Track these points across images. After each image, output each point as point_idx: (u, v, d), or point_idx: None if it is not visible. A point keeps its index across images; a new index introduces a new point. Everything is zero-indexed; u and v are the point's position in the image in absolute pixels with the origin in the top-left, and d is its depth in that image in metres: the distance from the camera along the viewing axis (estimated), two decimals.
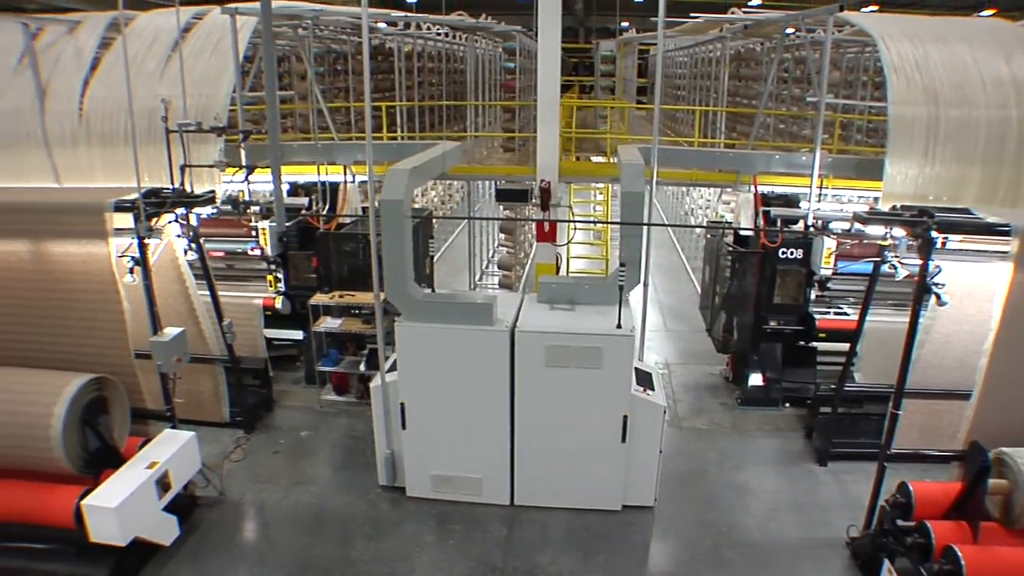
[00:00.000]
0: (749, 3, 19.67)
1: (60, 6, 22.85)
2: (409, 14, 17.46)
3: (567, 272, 13.40)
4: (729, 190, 13.13)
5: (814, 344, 10.87)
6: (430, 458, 8.68)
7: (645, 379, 8.64)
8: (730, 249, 11.00)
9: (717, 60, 17.08)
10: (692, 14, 14.96)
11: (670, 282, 17.75)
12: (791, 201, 10.99)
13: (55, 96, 11.05)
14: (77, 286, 8.05)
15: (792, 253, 10.34)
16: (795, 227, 10.65)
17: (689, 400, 11.33)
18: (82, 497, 7.07)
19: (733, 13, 14.14)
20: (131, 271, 8.01)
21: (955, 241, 7.18)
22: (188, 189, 9.25)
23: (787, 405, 10.96)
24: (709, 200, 18.42)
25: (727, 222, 13.23)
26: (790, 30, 13.76)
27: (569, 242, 12.73)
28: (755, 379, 11.00)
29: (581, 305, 8.67)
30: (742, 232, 11.08)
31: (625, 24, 34.04)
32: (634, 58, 28.68)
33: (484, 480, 8.65)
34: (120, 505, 6.92)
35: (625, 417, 8.14)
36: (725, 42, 16.08)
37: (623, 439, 8.21)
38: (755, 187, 10.80)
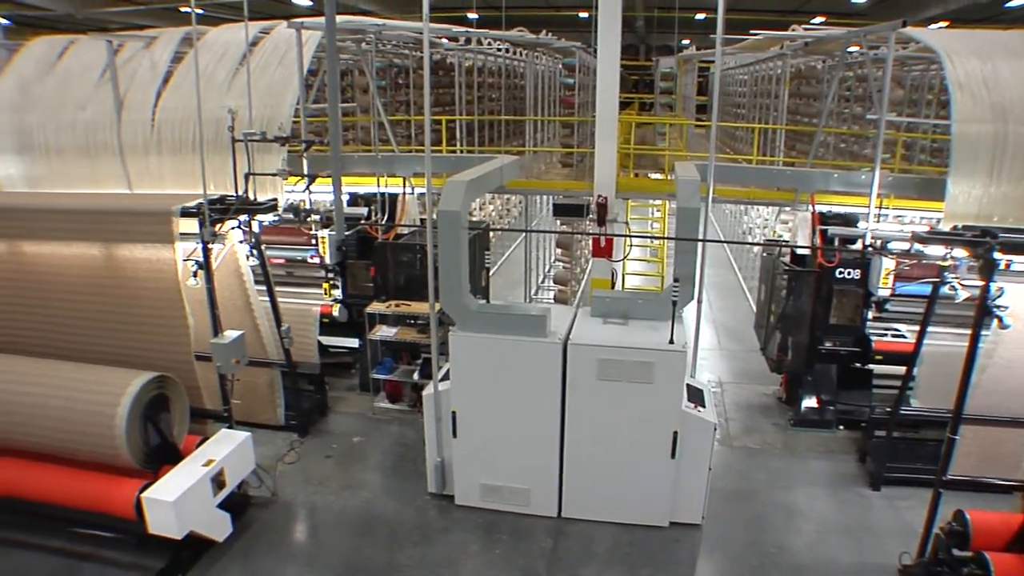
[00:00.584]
0: (811, 21, 19.42)
1: (139, 23, 23.83)
2: (470, 30, 17.70)
3: (622, 288, 13.39)
4: (787, 209, 12.98)
5: (870, 366, 10.67)
6: (479, 467, 8.75)
7: (697, 396, 8.59)
8: (786, 268, 10.88)
9: (777, 78, 16.93)
10: (752, 31, 14.87)
11: (726, 300, 17.60)
12: (850, 220, 10.82)
13: (130, 107, 11.55)
14: (144, 287, 8.37)
15: (849, 273, 10.19)
16: (853, 246, 10.49)
17: (741, 419, 11.21)
18: (142, 490, 7.35)
19: (794, 30, 14.04)
20: (195, 274, 8.28)
21: (1020, 263, 7.01)
22: (251, 197, 9.52)
23: (841, 427, 10.75)
24: (767, 219, 18.22)
25: (784, 241, 13.09)
26: (853, 48, 13.58)
27: (625, 258, 12.73)
28: (809, 400, 10.84)
29: (634, 320, 8.66)
30: (799, 251, 10.96)
31: (686, 42, 34.00)
32: (694, 76, 28.60)
33: (532, 491, 8.68)
34: (177, 499, 7.15)
35: (675, 433, 8.10)
36: (785, 59, 15.93)
37: (672, 455, 8.16)
38: (812, 205, 10.68)
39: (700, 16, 31.42)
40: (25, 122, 12.11)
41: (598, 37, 11.02)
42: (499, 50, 20.44)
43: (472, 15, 26.54)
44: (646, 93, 32.52)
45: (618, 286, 12.71)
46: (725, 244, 22.30)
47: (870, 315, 10.46)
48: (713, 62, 10.05)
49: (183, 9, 27.57)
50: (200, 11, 10.57)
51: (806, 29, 13.90)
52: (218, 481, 7.75)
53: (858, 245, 10.45)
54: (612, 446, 8.29)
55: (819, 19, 24.79)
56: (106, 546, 8.04)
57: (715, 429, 8.33)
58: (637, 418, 8.13)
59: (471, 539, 8.39)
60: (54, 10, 26.46)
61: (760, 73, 19.48)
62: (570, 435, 8.38)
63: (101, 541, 8.00)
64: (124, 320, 8.52)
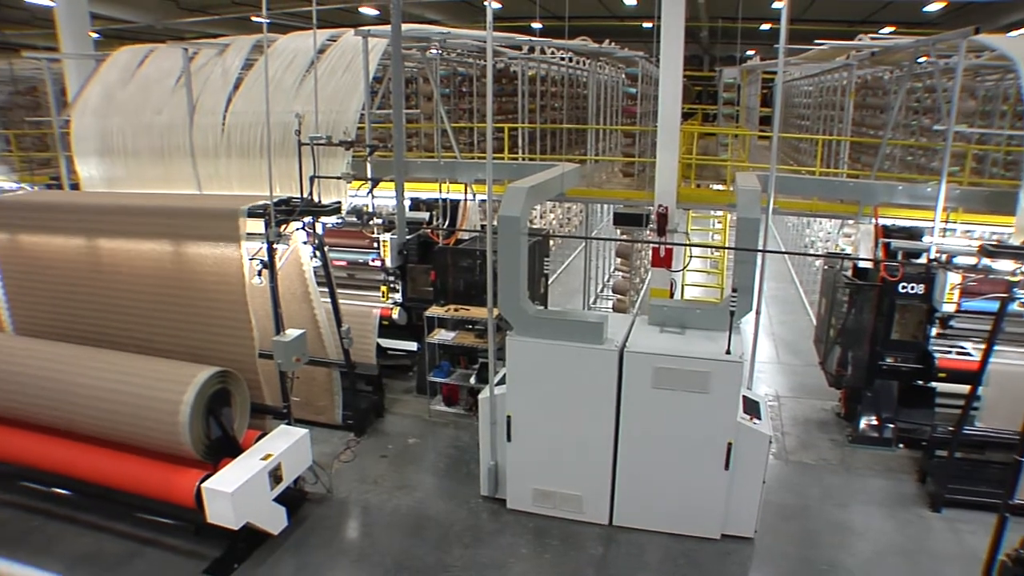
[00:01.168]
0: (879, 31, 19.05)
1: (214, 32, 24.85)
2: (534, 38, 17.82)
3: (681, 299, 13.31)
4: (850, 222, 12.77)
5: (933, 384, 10.40)
6: (532, 472, 8.79)
7: (752, 408, 8.50)
8: (847, 281, 10.70)
9: (842, 89, 16.66)
10: (816, 41, 14.66)
11: (785, 314, 17.36)
12: (914, 234, 10.60)
13: (202, 111, 11.97)
14: (211, 285, 8.64)
15: (913, 288, 9.97)
16: (917, 260, 10.27)
17: (797, 434, 11.05)
18: (203, 480, 7.59)
19: (860, 40, 13.80)
20: (259, 274, 8.49)
21: None
22: (316, 199, 9.76)
23: (901, 446, 10.50)
24: (830, 233, 17.93)
25: (846, 254, 12.87)
26: (922, 58, 13.30)
27: (684, 268, 12.67)
28: (868, 417, 10.63)
29: (692, 330, 8.62)
30: (861, 264, 10.76)
31: (750, 53, 33.61)
32: (757, 86, 28.26)
33: (584, 498, 8.68)
34: (236, 491, 7.35)
35: (729, 444, 8.03)
36: (851, 70, 15.67)
37: (726, 466, 8.09)
38: (876, 218, 10.49)
39: (765, 26, 31.10)
40: (107, 126, 12.68)
41: (661, 47, 11.03)
42: (562, 59, 20.54)
43: (536, 24, 26.74)
44: (710, 104, 32.26)
45: (677, 297, 12.64)
46: (786, 256, 21.98)
47: (934, 331, 10.23)
48: (777, 72, 9.94)
49: (255, 18, 28.48)
50: (270, 20, 10.89)
51: (873, 39, 13.65)
52: (275, 475, 7.95)
53: (923, 259, 10.24)
54: (666, 455, 8.25)
55: (888, 29, 24.27)
56: (167, 533, 8.34)
57: (770, 442, 8.24)
58: (691, 428, 8.08)
59: (521, 543, 8.43)
60: (137, 22, 27.85)
61: (825, 84, 19.19)
62: (624, 443, 8.36)
63: (162, 528, 8.29)
64: (191, 316, 8.83)
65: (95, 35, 16.81)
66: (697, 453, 8.15)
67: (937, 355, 10.18)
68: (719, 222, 17.03)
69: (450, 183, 12.68)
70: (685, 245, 11.86)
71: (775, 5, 24.95)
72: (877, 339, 10.35)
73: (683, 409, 8.04)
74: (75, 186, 13.45)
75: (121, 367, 8.41)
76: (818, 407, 11.92)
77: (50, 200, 10.30)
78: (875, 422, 10.61)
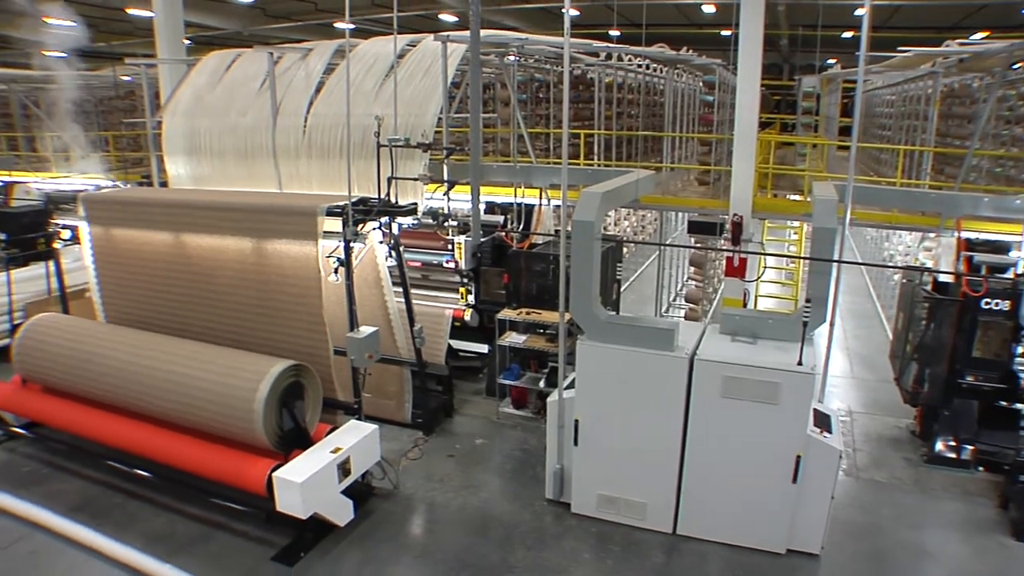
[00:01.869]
0: (969, 36, 18.40)
1: (297, 38, 25.81)
2: (611, 45, 17.81)
3: (754, 309, 13.11)
4: (932, 235, 12.41)
5: (1017, 405, 10.04)
6: (598, 477, 8.78)
7: (823, 421, 8.34)
8: (927, 295, 10.40)
9: (927, 97, 16.18)
10: (899, 48, 14.27)
11: (861, 328, 16.92)
12: (1000, 248, 10.25)
13: (285, 113, 12.36)
14: (288, 280, 8.93)
15: (997, 304, 9.62)
16: (1003, 276, 9.92)
17: (870, 451, 10.75)
18: (274, 470, 7.84)
19: (948, 46, 13.37)
20: (335, 271, 8.71)
21: None
22: (393, 200, 9.96)
23: (980, 468, 10.09)
24: (910, 246, 17.43)
25: (926, 267, 12.51)
26: (1017, 64, 12.81)
27: (758, 279, 12.49)
28: (945, 437, 10.30)
29: (763, 340, 8.50)
30: (941, 278, 10.45)
31: (831, 61, 32.85)
32: (838, 95, 27.55)
33: (648, 505, 8.64)
34: (305, 481, 7.57)
35: (798, 457, 7.88)
36: (936, 78, 15.19)
37: (794, 480, 7.95)
38: (959, 231, 10.17)
39: (846, 34, 30.37)
40: (195, 127, 13.24)
41: (739, 54, 10.93)
42: (639, 66, 20.47)
43: (614, 32, 26.70)
44: (788, 114, 31.69)
45: (749, 307, 12.47)
46: (863, 269, 21.43)
47: (1020, 350, 9.86)
48: (856, 81, 9.75)
49: (337, 24, 29.20)
50: (352, 26, 11.17)
51: (961, 45, 13.20)
52: (344, 469, 8.13)
53: (1009, 274, 9.89)
54: (733, 465, 8.16)
55: (980, 35, 23.42)
56: (237, 518, 8.65)
57: (840, 457, 8.06)
58: (760, 439, 7.97)
59: (583, 547, 8.43)
60: (226, 29, 29.15)
61: (908, 92, 18.65)
62: (691, 451, 8.30)
63: (233, 513, 8.61)
64: (269, 310, 9.15)
65: (187, 42, 17.60)
66: (765, 465, 8.03)
67: (1023, 376, 9.81)
68: (795, 233, 16.75)
69: (525, 187, 12.78)
70: (759, 254, 11.68)
71: (857, 12, 24.35)
72: (957, 356, 10.02)
73: (752, 419, 7.94)
74: (164, 184, 14.07)
75: (202, 357, 8.79)
76: (892, 424, 11.57)
77: (140, 196, 10.83)
78: (952, 442, 10.26)
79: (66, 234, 13.17)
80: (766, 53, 10.81)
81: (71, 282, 11.82)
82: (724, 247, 11.87)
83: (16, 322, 11.12)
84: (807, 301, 8.13)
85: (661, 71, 21.33)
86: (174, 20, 15.71)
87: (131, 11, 25.54)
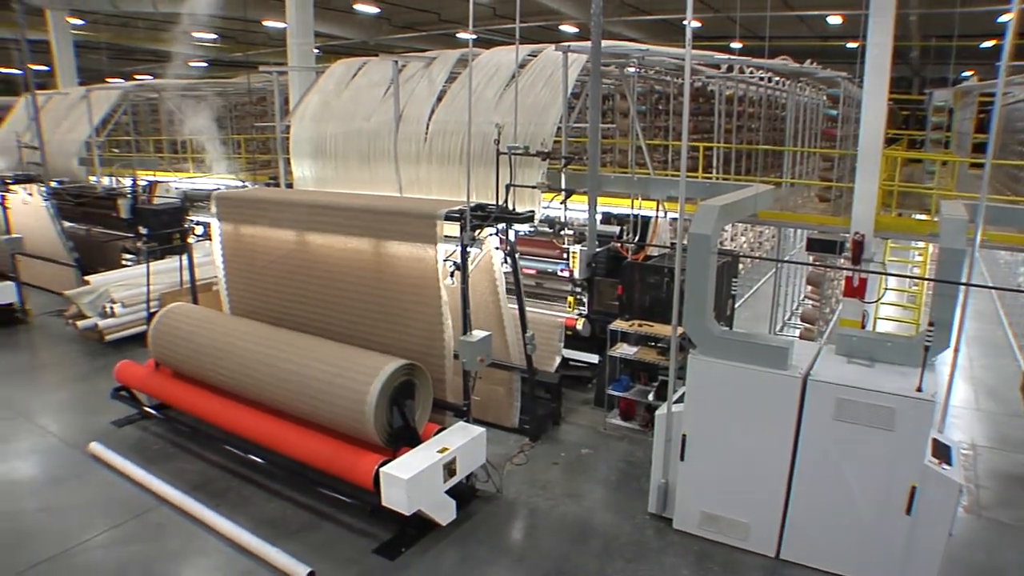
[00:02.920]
0: None
1: (421, 47, 26.66)
2: (732, 57, 17.48)
3: (872, 331, 12.56)
4: None
5: None
6: (702, 494, 8.61)
7: (943, 452, 7.86)
8: None
9: None
10: None
11: (989, 358, 15.95)
12: None
13: (407, 120, 12.68)
14: (406, 282, 9.16)
15: None
16: None
17: (995, 488, 10.09)
18: (381, 465, 8.04)
19: None
20: (452, 275, 8.87)
21: None
22: (510, 207, 10.07)
23: None
24: None
25: None
26: None
27: (878, 300, 11.99)
28: None
29: (881, 363, 8.15)
30: None
31: (967, 73, 31.18)
32: (972, 110, 26.08)
33: (751, 526, 8.40)
34: (411, 478, 7.73)
35: (913, 488, 7.49)
36: None
37: (908, 511, 7.55)
38: None
39: (985, 44, 28.76)
40: (321, 131, 13.75)
41: (865, 67, 10.55)
42: (761, 79, 20.02)
43: (735, 44, 26.22)
44: (917, 130, 30.30)
45: (868, 329, 11.97)
46: (995, 295, 20.22)
47: None
48: (994, 94, 9.23)
49: (460, 34, 29.82)
50: (475, 36, 11.38)
51: None
52: (449, 469, 8.26)
53: None
54: (843, 492, 7.83)
55: None
56: (343, 510, 8.93)
57: (961, 491, 7.59)
58: (873, 466, 7.62)
59: (682, 564, 8.27)
60: (353, 39, 30.39)
61: None
62: (799, 474, 8.03)
63: (340, 504, 8.86)
64: (386, 310, 9.40)
65: (316, 51, 18.38)
66: (877, 493, 7.67)
67: None
68: (919, 254, 16.00)
69: (642, 199, 12.69)
70: (881, 274, 11.21)
71: (1001, 19, 23.01)
72: None
73: (865, 445, 7.62)
74: (289, 186, 14.67)
75: (318, 352, 9.12)
76: (1021, 463, 10.87)
77: (268, 196, 11.33)
78: None
79: (199, 230, 13.90)
80: (894, 66, 10.37)
81: (200, 276, 12.49)
82: (844, 266, 11.44)
83: (152, 310, 11.80)
84: (930, 325, 7.74)
85: (783, 84, 20.80)
86: (305, 30, 16.47)
87: (266, 23, 26.98)
